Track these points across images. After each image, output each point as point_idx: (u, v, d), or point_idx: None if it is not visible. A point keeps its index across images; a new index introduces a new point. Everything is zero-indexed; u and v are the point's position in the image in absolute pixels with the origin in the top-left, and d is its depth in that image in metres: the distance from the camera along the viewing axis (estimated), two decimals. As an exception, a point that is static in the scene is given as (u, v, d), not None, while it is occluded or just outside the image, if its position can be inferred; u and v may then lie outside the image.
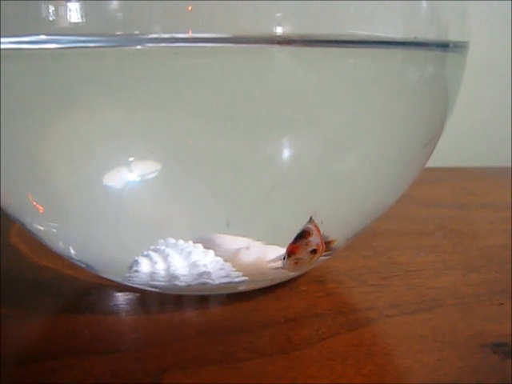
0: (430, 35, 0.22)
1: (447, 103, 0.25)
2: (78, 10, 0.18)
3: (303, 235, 0.23)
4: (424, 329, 0.25)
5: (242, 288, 0.27)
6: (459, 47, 0.24)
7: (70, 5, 0.18)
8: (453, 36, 0.23)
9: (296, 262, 0.24)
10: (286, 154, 0.21)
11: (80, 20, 0.18)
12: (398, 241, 0.37)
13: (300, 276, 0.29)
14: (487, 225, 0.41)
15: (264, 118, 0.20)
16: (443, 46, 0.23)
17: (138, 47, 0.19)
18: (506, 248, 0.36)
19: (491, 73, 0.67)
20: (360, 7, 0.20)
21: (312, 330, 0.24)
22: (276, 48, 0.19)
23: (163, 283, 0.25)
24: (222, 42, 0.19)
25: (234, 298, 0.27)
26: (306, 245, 0.24)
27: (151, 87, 0.20)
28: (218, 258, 0.24)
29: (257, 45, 0.19)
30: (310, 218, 0.23)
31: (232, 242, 0.24)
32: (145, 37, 0.18)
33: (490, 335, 0.25)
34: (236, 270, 0.24)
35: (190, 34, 0.18)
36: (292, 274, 0.28)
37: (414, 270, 0.32)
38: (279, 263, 0.24)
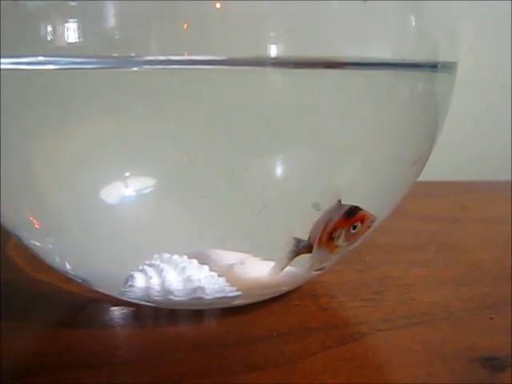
0: (420, 55, 0.23)
1: (437, 122, 0.25)
2: (76, 30, 0.19)
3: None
4: (415, 343, 0.25)
5: (236, 303, 0.27)
6: (448, 67, 0.24)
7: (68, 25, 0.19)
8: (442, 55, 0.24)
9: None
10: (279, 171, 0.22)
11: (77, 40, 0.19)
12: (390, 255, 0.37)
13: (293, 290, 0.30)
14: (480, 239, 0.42)
15: (258, 136, 0.21)
16: (432, 66, 0.23)
17: (135, 69, 0.19)
18: (498, 262, 0.36)
19: (483, 87, 0.67)
20: (352, 28, 0.21)
21: (305, 344, 0.25)
22: (269, 70, 0.20)
23: (158, 298, 0.25)
24: (216, 64, 0.19)
25: (229, 312, 0.27)
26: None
27: (147, 106, 0.20)
28: (213, 273, 0.24)
29: (250, 67, 0.20)
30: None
31: (227, 256, 0.24)
32: (141, 59, 0.19)
33: (480, 349, 0.25)
34: (230, 285, 0.25)
35: (186, 56, 0.19)
36: (285, 289, 0.29)
37: (407, 284, 0.32)
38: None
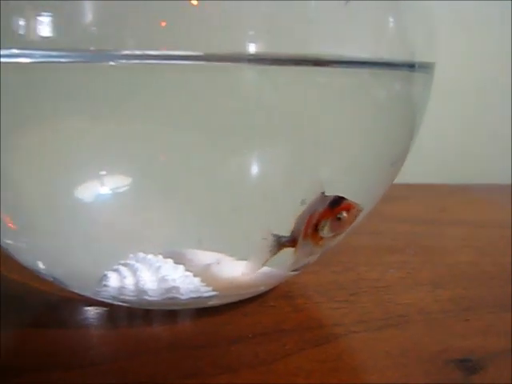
0: (398, 56, 0.23)
1: (414, 122, 0.25)
2: (50, 24, 0.18)
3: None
4: (390, 345, 0.25)
5: (211, 303, 0.27)
6: (425, 67, 0.24)
7: (41, 18, 0.18)
8: (419, 56, 0.24)
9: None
10: (257, 168, 0.22)
11: (51, 34, 0.18)
12: (367, 257, 0.37)
13: (269, 291, 0.30)
14: (457, 241, 0.42)
15: (235, 133, 0.21)
16: (409, 66, 0.23)
17: (111, 63, 0.19)
18: (475, 265, 0.36)
19: (461, 90, 0.67)
20: (330, 28, 0.21)
21: (279, 345, 0.25)
22: (246, 66, 0.19)
23: (132, 298, 0.25)
24: (194, 60, 0.19)
25: (204, 312, 0.27)
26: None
27: (123, 103, 0.20)
28: (188, 273, 0.24)
29: (228, 63, 0.19)
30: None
31: (203, 256, 0.24)
32: (118, 53, 0.19)
33: (455, 351, 0.25)
34: (205, 285, 0.24)
35: (163, 51, 0.19)
36: (261, 289, 0.28)
37: (383, 286, 0.32)
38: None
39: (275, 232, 0.23)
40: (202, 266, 0.24)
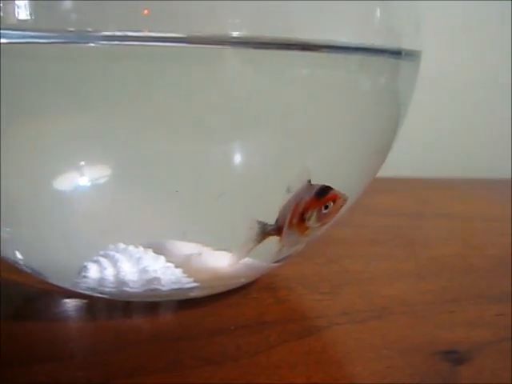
0: (384, 43, 0.22)
1: (399, 111, 0.25)
2: (27, 7, 0.18)
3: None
4: (374, 337, 0.25)
5: (192, 294, 0.26)
6: (412, 55, 0.24)
7: (18, 2, 0.18)
8: (406, 45, 0.23)
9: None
10: (238, 158, 0.21)
11: (29, 17, 0.18)
12: (350, 249, 0.37)
13: (252, 283, 0.29)
14: (441, 234, 0.42)
15: (218, 121, 0.20)
16: (396, 53, 0.23)
17: (91, 45, 0.18)
18: (458, 257, 0.36)
19: (447, 83, 0.67)
20: (315, 15, 0.20)
21: (262, 337, 0.24)
22: (230, 50, 0.19)
23: (112, 289, 0.24)
24: (175, 42, 0.18)
25: (185, 304, 0.27)
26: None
27: (102, 89, 0.19)
28: (169, 264, 0.23)
29: (211, 45, 0.19)
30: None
31: (184, 247, 0.23)
32: (98, 34, 0.18)
33: (440, 343, 0.25)
34: (187, 276, 0.24)
35: (145, 33, 0.18)
36: (243, 281, 0.28)
37: (366, 278, 0.32)
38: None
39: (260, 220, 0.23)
40: (182, 256, 0.23)
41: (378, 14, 0.22)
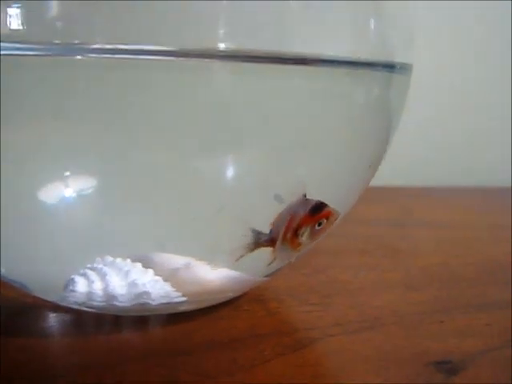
0: (378, 56, 0.22)
1: (391, 124, 0.25)
2: (19, 17, 0.17)
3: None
4: (368, 348, 0.25)
5: (182, 308, 0.26)
6: (404, 69, 0.24)
7: (10, 11, 0.17)
8: (399, 58, 0.23)
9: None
10: (229, 170, 0.21)
11: (21, 27, 0.17)
12: (337, 259, 0.36)
13: (241, 296, 0.29)
14: (426, 243, 0.42)
15: (205, 134, 0.20)
16: (389, 67, 0.23)
17: (79, 57, 0.18)
18: (446, 266, 0.36)
19: (435, 91, 0.68)
20: (308, 28, 0.20)
21: (256, 350, 0.24)
22: (220, 63, 0.19)
23: (101, 303, 0.24)
24: (165, 55, 0.18)
25: (176, 318, 0.26)
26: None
27: (89, 99, 0.19)
28: (158, 278, 0.23)
29: (201, 59, 0.19)
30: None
31: (171, 260, 0.23)
32: (87, 47, 0.18)
33: (433, 353, 0.25)
34: (176, 290, 0.24)
35: (134, 46, 0.18)
36: (231, 295, 0.28)
37: (355, 288, 0.31)
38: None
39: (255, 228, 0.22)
40: (170, 270, 0.23)
41: (372, 27, 0.22)
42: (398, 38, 0.23)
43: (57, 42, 0.18)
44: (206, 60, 0.19)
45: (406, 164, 0.67)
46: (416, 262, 0.37)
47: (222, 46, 0.18)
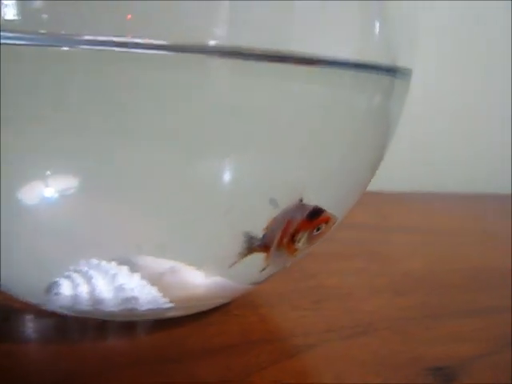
0: (380, 61, 0.22)
1: (390, 128, 0.24)
2: (14, 7, 0.16)
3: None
4: (364, 353, 0.24)
5: (170, 314, 0.25)
6: (405, 74, 0.23)
7: (5, 1, 0.16)
8: (402, 63, 0.23)
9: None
10: (222, 171, 0.20)
11: (16, 17, 0.16)
12: (324, 264, 0.36)
13: (230, 301, 0.28)
14: (408, 248, 0.42)
15: (197, 135, 0.19)
16: (391, 70, 0.22)
17: (65, 48, 0.17)
18: (428, 271, 0.36)
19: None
20: (310, 30, 0.19)
21: (251, 357, 0.23)
22: (217, 60, 0.18)
23: (87, 308, 0.23)
24: (159, 49, 0.17)
25: (164, 324, 0.25)
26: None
27: (71, 94, 0.18)
28: (144, 282, 0.22)
29: (198, 54, 0.18)
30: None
31: (155, 264, 0.22)
32: (77, 38, 0.17)
33: (427, 359, 0.24)
34: (163, 296, 0.23)
35: (126, 39, 0.17)
36: (221, 301, 0.27)
37: (344, 293, 0.31)
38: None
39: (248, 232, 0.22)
40: (155, 274, 0.22)
41: (377, 29, 0.21)
42: (402, 41, 0.23)
43: (43, 31, 0.17)
44: (203, 56, 0.18)
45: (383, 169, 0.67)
46: (400, 267, 0.37)
47: (219, 43, 0.17)
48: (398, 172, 0.68)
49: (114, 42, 0.17)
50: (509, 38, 0.73)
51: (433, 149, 0.72)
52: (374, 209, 0.55)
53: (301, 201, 0.21)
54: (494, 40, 0.73)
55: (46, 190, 0.19)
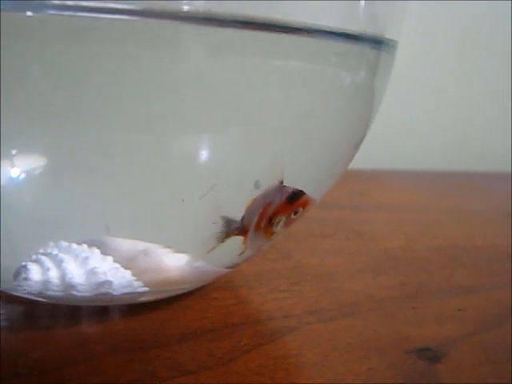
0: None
1: (374, 105, 0.24)
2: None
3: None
4: (348, 336, 0.24)
5: (145, 299, 0.24)
6: (390, 46, 0.22)
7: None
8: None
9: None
10: (196, 154, 0.19)
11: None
12: (301, 243, 0.35)
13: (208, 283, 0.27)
14: (385, 226, 0.41)
15: (170, 110, 0.18)
16: (377, 42, 0.21)
17: (29, 13, 0.15)
18: (408, 250, 0.36)
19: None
20: (295, 3, 0.18)
21: (233, 341, 0.22)
22: (191, 27, 0.17)
23: (58, 293, 0.21)
24: (129, 15, 0.16)
25: (141, 309, 0.24)
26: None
27: (36, 66, 0.16)
28: (117, 265, 0.21)
29: (170, 21, 0.16)
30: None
31: (127, 246, 0.21)
32: (42, 2, 0.15)
33: (412, 340, 0.24)
34: (137, 279, 0.21)
35: (90, 3, 0.15)
36: (196, 285, 0.26)
37: (324, 273, 0.30)
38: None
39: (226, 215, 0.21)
40: (128, 256, 0.21)
41: (362, 4, 0.20)
42: (390, 18, 0.22)
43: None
44: (176, 23, 0.16)
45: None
46: (378, 245, 0.36)
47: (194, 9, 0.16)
48: (375, 149, 0.67)
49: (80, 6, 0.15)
50: (494, 10, 0.73)
51: (410, 126, 0.72)
52: (350, 187, 0.54)
53: (281, 183, 0.20)
54: (479, 15, 0.73)
55: (12, 170, 0.18)
